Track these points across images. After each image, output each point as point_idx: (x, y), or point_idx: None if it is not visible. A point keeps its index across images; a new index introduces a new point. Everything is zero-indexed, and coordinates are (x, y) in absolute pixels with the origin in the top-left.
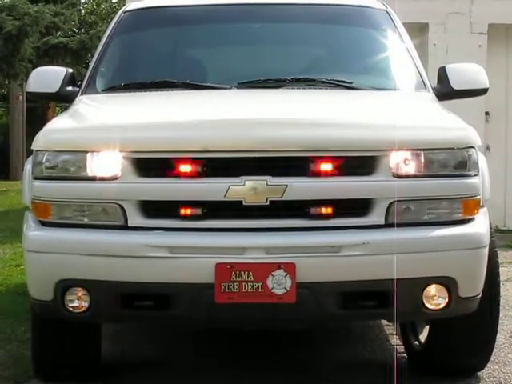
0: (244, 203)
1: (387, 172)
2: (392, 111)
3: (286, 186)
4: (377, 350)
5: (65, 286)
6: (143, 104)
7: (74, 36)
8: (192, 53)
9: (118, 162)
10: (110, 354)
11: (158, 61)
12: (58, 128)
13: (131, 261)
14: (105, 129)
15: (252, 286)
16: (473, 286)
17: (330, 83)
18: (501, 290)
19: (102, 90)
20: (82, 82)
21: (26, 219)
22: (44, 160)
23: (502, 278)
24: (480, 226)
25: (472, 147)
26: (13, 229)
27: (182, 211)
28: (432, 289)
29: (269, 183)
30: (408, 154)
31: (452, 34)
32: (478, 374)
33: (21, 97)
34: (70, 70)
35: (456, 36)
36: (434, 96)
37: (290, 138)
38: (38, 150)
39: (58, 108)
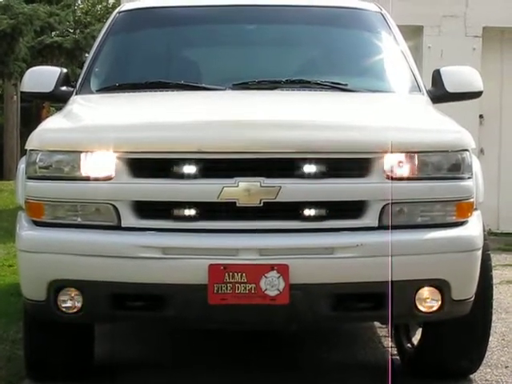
0: (238, 204)
1: (381, 174)
2: (386, 113)
3: (280, 187)
4: (369, 352)
5: (57, 286)
6: (137, 104)
7: (68, 36)
8: (186, 54)
9: (112, 163)
10: (102, 353)
11: (153, 61)
12: (52, 128)
13: (124, 261)
14: (99, 129)
15: (245, 288)
16: (466, 289)
17: (325, 85)
18: (494, 292)
19: (97, 90)
20: (76, 82)
21: (19, 219)
22: (38, 160)
23: (494, 280)
24: (473, 228)
25: (466, 150)
26: (6, 229)
27: (176, 212)
28: (425, 291)
29: (262, 184)
30: (402, 157)
31: (447, 36)
32: (471, 376)
33: (15, 96)
34: (65, 70)
35: (451, 39)
36: (428, 99)
37: (284, 139)
38: (31, 150)
39: (52, 108)
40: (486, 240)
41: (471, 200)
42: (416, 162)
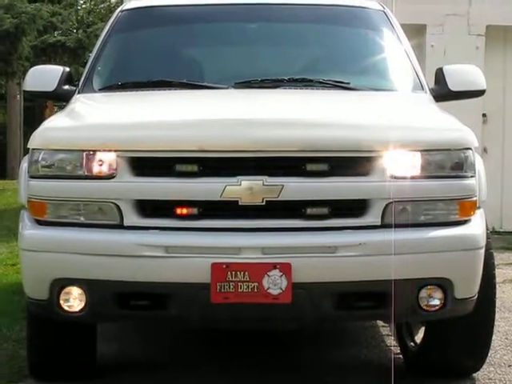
0: (240, 203)
1: (384, 173)
2: (389, 112)
3: (283, 186)
4: (372, 351)
5: (60, 286)
6: (140, 103)
7: (71, 35)
8: (189, 52)
9: (114, 161)
10: (105, 353)
11: (155, 60)
12: (55, 127)
13: (127, 260)
14: (101, 128)
15: (248, 286)
16: (469, 288)
17: (328, 83)
18: (497, 291)
19: (99, 89)
20: (79, 81)
21: (21, 218)
22: (40, 159)
23: (498, 279)
24: (476, 227)
25: (469, 148)
26: (9, 228)
27: (178, 211)
28: (428, 290)
29: (265, 183)
30: (404, 155)
31: (450, 35)
32: (474, 375)
33: (18, 96)
34: (67, 69)
35: (454, 37)
36: (431, 97)
37: (286, 138)
38: (34, 149)
39: (55, 107)
40: (488, 238)
41: (474, 198)
42: (419, 161)
